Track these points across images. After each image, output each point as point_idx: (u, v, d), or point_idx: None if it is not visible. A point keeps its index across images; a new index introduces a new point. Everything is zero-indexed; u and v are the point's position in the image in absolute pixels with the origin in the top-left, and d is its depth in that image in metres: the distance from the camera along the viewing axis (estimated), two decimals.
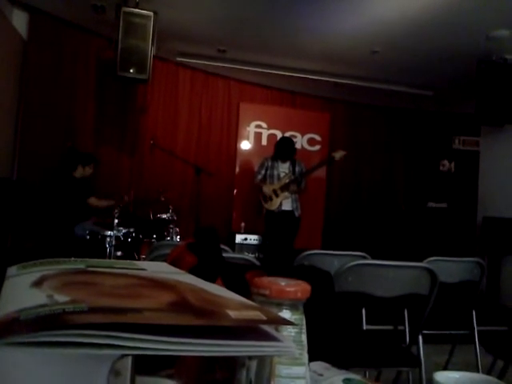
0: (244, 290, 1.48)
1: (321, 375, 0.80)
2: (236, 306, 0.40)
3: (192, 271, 1.52)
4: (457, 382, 0.76)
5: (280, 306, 0.57)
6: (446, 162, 6.33)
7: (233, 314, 0.36)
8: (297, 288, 0.57)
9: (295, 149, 6.09)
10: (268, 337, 0.38)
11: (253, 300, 0.59)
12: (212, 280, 1.37)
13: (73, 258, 0.56)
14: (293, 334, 0.56)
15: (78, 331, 0.30)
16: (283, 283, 0.57)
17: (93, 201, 5.33)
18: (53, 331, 0.29)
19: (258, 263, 2.42)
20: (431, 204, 6.30)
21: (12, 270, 0.51)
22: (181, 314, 0.34)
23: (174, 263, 1.54)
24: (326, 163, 6.54)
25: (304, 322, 0.58)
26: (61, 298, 0.35)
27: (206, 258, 1.47)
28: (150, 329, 0.31)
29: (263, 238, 6.42)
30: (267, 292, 0.56)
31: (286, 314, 0.57)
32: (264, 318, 0.38)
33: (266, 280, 0.57)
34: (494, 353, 2.72)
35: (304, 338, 0.58)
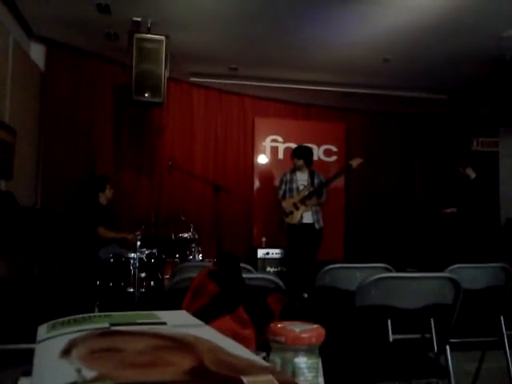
0: (265, 315, 1.51)
1: None
2: (250, 368, 0.43)
3: (214, 300, 1.55)
4: None
5: (296, 351, 0.59)
6: (460, 169, 6.25)
7: (247, 380, 0.39)
8: (311, 334, 0.59)
9: (312, 151, 6.12)
10: None
11: (270, 346, 0.62)
12: (234, 308, 1.40)
13: (97, 314, 0.59)
14: (310, 379, 0.59)
15: None
16: (298, 330, 0.59)
17: (101, 231, 5.38)
18: None
19: (279, 282, 2.43)
20: (448, 210, 6.22)
21: (42, 332, 0.54)
22: None
23: (196, 291, 1.58)
24: (344, 172, 6.54)
25: (320, 365, 0.60)
26: (88, 372, 0.39)
27: (228, 286, 1.49)
28: None
29: (286, 252, 6.43)
30: (283, 339, 0.59)
31: (302, 359, 0.59)
32: (276, 383, 0.41)
33: (282, 327, 0.60)
34: None
35: (321, 380, 0.60)
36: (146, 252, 5.15)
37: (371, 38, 5.46)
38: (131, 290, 4.93)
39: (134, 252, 5.03)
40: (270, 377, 0.41)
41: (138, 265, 5.00)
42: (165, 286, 4.97)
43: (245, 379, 0.39)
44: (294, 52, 5.94)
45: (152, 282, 5.10)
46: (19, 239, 4.79)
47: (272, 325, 0.61)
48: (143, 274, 5.08)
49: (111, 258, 5.05)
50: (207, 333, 0.54)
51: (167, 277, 5.00)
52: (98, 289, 4.88)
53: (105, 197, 5.57)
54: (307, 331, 0.60)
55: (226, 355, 0.47)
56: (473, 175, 6.13)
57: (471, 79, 6.49)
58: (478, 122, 7.75)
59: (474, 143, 8.03)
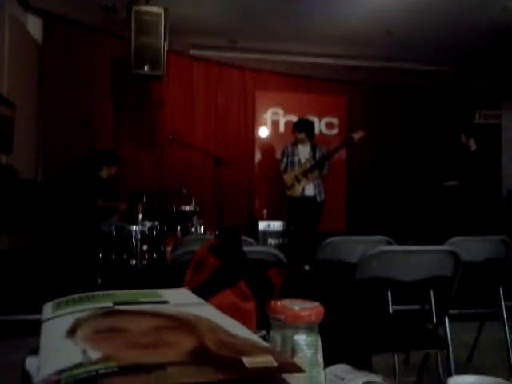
0: (266, 289, 1.52)
1: (342, 378, 0.83)
2: (250, 349, 0.44)
3: (215, 274, 1.57)
4: None
5: (296, 329, 0.61)
6: (463, 137, 6.16)
7: (247, 361, 0.41)
8: (311, 312, 0.61)
9: (313, 124, 6.10)
10: (279, 382, 0.42)
11: (271, 323, 0.63)
12: (235, 282, 1.42)
13: (101, 293, 0.60)
14: (309, 355, 0.60)
15: None
16: (297, 308, 0.60)
17: (102, 203, 5.39)
18: None
19: (281, 255, 2.45)
20: (450, 183, 6.17)
21: (47, 310, 0.56)
22: (201, 366, 0.39)
23: (197, 265, 1.59)
24: (346, 145, 6.52)
25: (319, 343, 0.62)
26: (93, 353, 0.40)
27: (229, 260, 1.51)
28: None
29: (287, 224, 6.46)
30: (283, 317, 0.60)
31: (301, 336, 0.60)
32: (275, 364, 0.42)
33: (282, 305, 0.61)
34: None
35: (320, 357, 0.62)
36: (148, 225, 5.19)
37: (373, 9, 5.37)
38: (133, 262, 4.98)
39: (136, 224, 5.07)
40: (270, 357, 0.43)
41: (140, 237, 5.04)
42: (167, 259, 5.01)
43: (245, 360, 0.41)
44: (295, 24, 5.86)
45: (154, 255, 5.15)
46: (21, 212, 4.82)
47: (272, 303, 0.62)
48: (145, 247, 5.12)
49: (113, 230, 5.08)
50: (208, 312, 0.55)
51: (169, 249, 5.04)
52: (100, 261, 4.93)
53: (108, 173, 5.53)
54: (307, 309, 0.61)
55: (227, 335, 0.48)
56: (473, 147, 6.08)
57: (474, 51, 6.41)
58: (481, 95, 7.69)
59: (477, 116, 7.99)
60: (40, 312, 0.63)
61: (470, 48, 6.35)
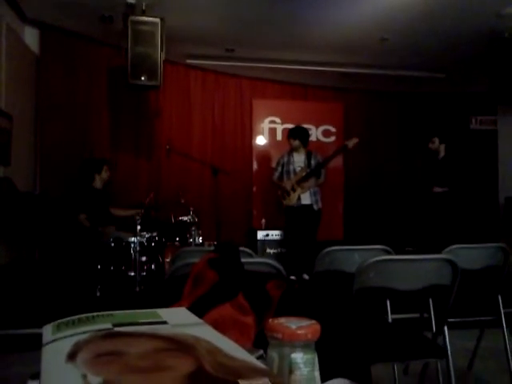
0: (264, 302, 1.53)
1: None
2: (247, 371, 0.45)
3: (214, 288, 1.56)
4: None
5: (293, 347, 0.61)
6: (435, 140, 6.01)
7: None
8: (307, 330, 0.61)
9: (308, 132, 6.12)
10: None
11: (268, 341, 0.64)
12: (233, 295, 1.42)
13: (100, 313, 0.61)
14: (306, 373, 0.61)
15: None
16: (294, 326, 0.61)
17: (115, 210, 5.44)
18: None
19: (280, 267, 2.45)
20: (437, 189, 6.04)
21: (47, 333, 0.56)
22: None
23: (196, 279, 1.60)
24: (340, 152, 6.52)
25: (316, 360, 0.62)
26: (93, 378, 0.41)
27: (227, 274, 1.51)
28: None
29: (285, 233, 6.46)
30: (280, 336, 0.61)
31: (298, 354, 0.61)
32: None
33: (279, 324, 0.61)
34: None
35: (317, 374, 0.62)
36: (147, 236, 5.19)
37: (368, 17, 5.41)
38: (132, 273, 4.97)
39: (135, 236, 5.06)
40: (266, 380, 0.43)
41: (138, 248, 5.03)
42: (165, 270, 5.00)
43: (241, 382, 0.41)
44: (291, 33, 5.89)
45: (153, 266, 5.14)
46: (19, 225, 4.81)
47: (270, 321, 0.63)
48: (144, 258, 5.11)
49: (112, 241, 5.07)
50: (207, 332, 0.56)
51: (168, 260, 5.03)
52: (99, 273, 4.92)
53: (100, 180, 5.54)
54: (303, 327, 0.61)
55: (225, 357, 0.48)
56: (442, 154, 6.01)
57: (470, 57, 6.46)
58: (477, 101, 7.73)
59: (473, 121, 8.02)
60: (39, 326, 0.63)
61: (464, 54, 6.39)
